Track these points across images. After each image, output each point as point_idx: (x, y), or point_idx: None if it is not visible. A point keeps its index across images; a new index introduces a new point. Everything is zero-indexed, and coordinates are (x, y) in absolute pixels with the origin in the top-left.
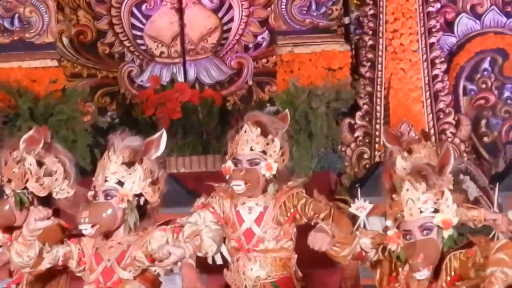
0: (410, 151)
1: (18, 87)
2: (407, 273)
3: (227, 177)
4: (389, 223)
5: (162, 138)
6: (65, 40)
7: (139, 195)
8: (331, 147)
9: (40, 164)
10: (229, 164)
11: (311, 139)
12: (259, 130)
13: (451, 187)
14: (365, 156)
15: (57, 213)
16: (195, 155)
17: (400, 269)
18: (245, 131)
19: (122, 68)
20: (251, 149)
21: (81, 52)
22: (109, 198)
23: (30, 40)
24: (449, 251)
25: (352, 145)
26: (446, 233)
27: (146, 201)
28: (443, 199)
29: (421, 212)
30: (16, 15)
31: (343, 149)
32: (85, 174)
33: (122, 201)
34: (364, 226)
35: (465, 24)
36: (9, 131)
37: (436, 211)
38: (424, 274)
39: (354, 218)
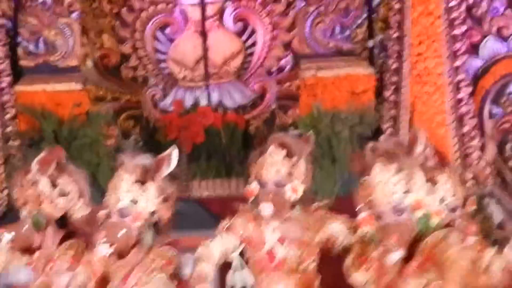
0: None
1: (42, 110)
2: (380, 255)
3: (251, 198)
4: (360, 205)
5: (173, 155)
6: (89, 63)
7: (153, 213)
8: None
9: (54, 185)
10: (254, 186)
11: (334, 164)
12: (284, 152)
13: (420, 167)
14: None
15: (71, 234)
16: (218, 178)
17: (373, 252)
18: (271, 154)
19: (146, 92)
20: (277, 172)
21: (105, 75)
22: (123, 217)
23: (55, 63)
24: (425, 233)
25: None
26: (418, 213)
27: (158, 219)
28: (414, 179)
29: (392, 193)
30: (41, 38)
31: None
32: None
33: (136, 220)
34: None
35: (491, 46)
36: (33, 154)
37: (407, 191)
38: (398, 255)
39: None
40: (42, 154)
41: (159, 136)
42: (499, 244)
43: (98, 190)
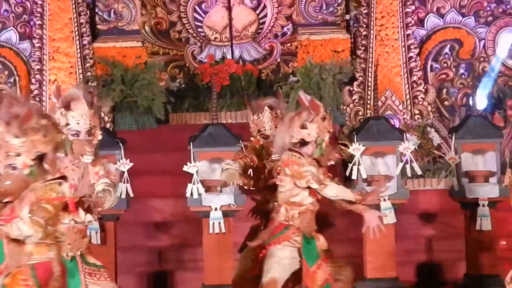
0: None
1: (113, 61)
2: None
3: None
4: None
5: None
6: (147, 28)
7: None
8: (336, 106)
9: None
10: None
11: (321, 101)
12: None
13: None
14: (360, 113)
15: None
16: (239, 110)
17: None
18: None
19: (187, 48)
20: (270, 128)
21: (158, 36)
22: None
23: (122, 27)
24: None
25: (351, 105)
26: (26, 170)
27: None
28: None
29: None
30: (112, 10)
31: (344, 108)
32: (160, 123)
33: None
34: (359, 163)
35: (432, 21)
36: (106, 92)
37: (19, 155)
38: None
39: (351, 157)
40: None
41: (197, 80)
42: (437, 160)
43: (153, 117)
